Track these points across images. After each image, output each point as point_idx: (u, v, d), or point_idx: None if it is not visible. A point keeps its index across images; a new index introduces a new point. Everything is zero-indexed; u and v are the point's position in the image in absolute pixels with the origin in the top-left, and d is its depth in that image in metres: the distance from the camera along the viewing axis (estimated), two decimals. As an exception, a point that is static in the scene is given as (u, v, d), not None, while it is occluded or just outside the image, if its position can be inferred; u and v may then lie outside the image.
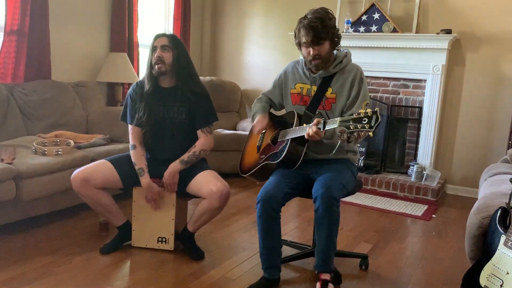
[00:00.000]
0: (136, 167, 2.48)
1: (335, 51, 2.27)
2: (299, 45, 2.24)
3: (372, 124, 1.85)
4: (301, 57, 2.35)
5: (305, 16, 2.17)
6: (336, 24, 2.23)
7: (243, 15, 5.31)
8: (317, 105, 2.26)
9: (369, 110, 1.87)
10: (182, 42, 2.55)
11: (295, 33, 2.24)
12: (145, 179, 2.46)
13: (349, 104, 2.23)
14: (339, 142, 2.06)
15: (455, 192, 4.32)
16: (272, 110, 2.52)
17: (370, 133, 1.85)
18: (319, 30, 2.11)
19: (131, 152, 2.52)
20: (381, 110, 4.34)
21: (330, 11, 2.19)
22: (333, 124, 1.96)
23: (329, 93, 2.25)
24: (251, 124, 2.47)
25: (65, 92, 3.54)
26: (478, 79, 4.13)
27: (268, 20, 5.15)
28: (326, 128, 1.99)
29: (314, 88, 2.28)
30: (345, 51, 2.30)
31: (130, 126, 2.56)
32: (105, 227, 2.80)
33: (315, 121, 2.04)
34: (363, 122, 1.86)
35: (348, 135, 1.94)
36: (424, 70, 4.18)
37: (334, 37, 2.19)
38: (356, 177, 2.36)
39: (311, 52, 2.16)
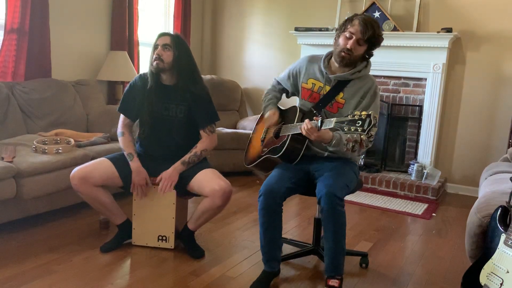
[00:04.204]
0: (125, 153, 2.49)
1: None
2: (340, 31, 2.20)
3: (365, 128, 1.81)
4: (319, 54, 2.34)
5: (364, 14, 2.19)
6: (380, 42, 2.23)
7: (244, 14, 5.30)
8: (325, 106, 2.25)
9: (364, 113, 1.83)
10: (186, 42, 2.54)
11: (343, 21, 2.21)
12: (134, 163, 2.46)
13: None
14: (344, 150, 2.07)
15: (455, 190, 4.32)
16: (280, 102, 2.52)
17: (363, 136, 1.81)
18: (369, 32, 2.12)
19: (120, 139, 2.53)
20: (381, 109, 4.34)
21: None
22: (329, 124, 1.94)
23: (339, 97, 2.23)
24: (263, 116, 2.47)
25: (66, 91, 3.54)
26: (479, 78, 4.12)
27: (268, 18, 5.14)
28: (323, 128, 1.97)
29: (327, 88, 2.26)
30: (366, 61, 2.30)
31: (121, 115, 2.58)
32: (106, 225, 2.81)
33: (314, 119, 2.04)
34: (356, 124, 1.82)
35: (353, 144, 1.93)
36: (425, 69, 4.17)
37: (371, 48, 2.21)
38: (358, 176, 2.36)
39: (348, 45, 2.14)
